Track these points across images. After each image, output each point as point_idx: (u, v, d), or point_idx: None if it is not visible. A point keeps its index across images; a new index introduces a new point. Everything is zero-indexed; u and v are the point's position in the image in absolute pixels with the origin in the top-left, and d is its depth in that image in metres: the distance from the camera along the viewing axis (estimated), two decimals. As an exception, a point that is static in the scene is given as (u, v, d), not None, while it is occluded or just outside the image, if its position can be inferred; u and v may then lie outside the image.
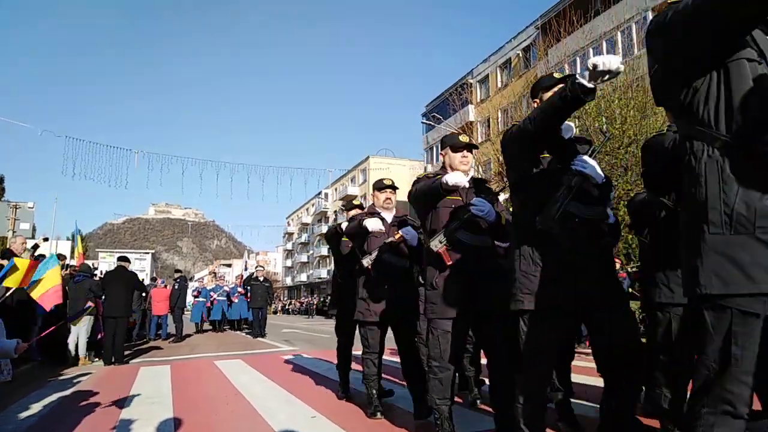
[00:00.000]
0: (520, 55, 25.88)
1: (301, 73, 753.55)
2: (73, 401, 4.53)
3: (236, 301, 15.49)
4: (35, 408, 4.25)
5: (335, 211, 50.58)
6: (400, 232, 3.37)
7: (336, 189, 51.57)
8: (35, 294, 4.66)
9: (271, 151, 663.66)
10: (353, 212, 4.29)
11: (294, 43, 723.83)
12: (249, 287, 13.31)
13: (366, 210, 3.84)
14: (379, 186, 3.71)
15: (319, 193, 52.30)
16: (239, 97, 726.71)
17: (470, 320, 2.70)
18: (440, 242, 2.61)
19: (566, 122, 2.21)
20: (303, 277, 59.34)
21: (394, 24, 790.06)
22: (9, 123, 16.77)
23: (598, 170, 2.13)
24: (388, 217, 3.65)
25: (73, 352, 7.35)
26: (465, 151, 2.80)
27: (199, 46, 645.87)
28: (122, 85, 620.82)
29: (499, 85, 27.66)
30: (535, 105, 2.40)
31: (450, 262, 2.59)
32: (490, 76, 28.55)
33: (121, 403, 4.29)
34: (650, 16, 18.17)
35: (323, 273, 52.02)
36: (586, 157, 2.15)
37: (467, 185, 2.78)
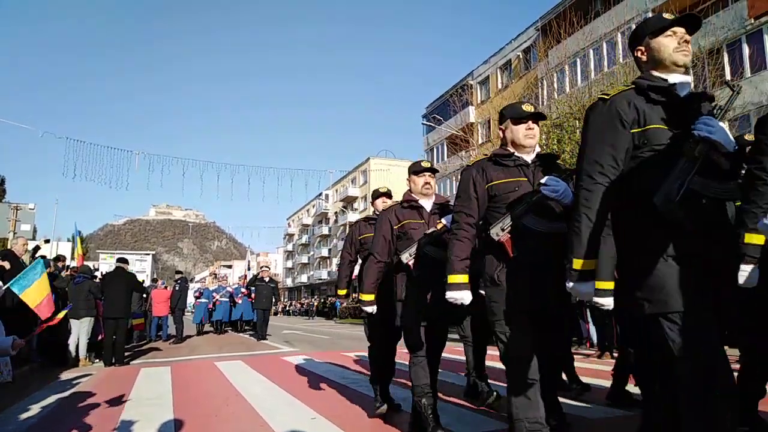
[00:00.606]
0: (521, 56, 25.89)
1: (301, 74, 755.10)
2: (74, 402, 4.53)
3: (240, 302, 15.18)
4: (35, 409, 4.25)
5: (336, 213, 50.60)
6: (442, 221, 2.92)
7: (336, 190, 51.59)
8: (31, 303, 4.83)
9: (272, 152, 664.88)
10: (380, 201, 3.86)
11: (294, 44, 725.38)
12: (254, 288, 13.03)
13: (403, 198, 3.27)
14: (417, 169, 3.20)
15: (320, 195, 52.31)
16: (240, 98, 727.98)
17: (545, 322, 2.27)
18: (502, 229, 2.22)
19: (682, 76, 1.81)
20: (303, 278, 59.35)
21: (394, 25, 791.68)
22: (10, 124, 16.85)
23: (728, 134, 1.67)
24: (428, 204, 3.19)
25: (73, 354, 7.36)
26: (530, 122, 2.39)
27: (199, 47, 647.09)
28: (122, 86, 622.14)
29: (500, 86, 27.67)
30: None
31: (514, 254, 2.20)
32: (490, 77, 28.57)
33: (122, 404, 4.29)
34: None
35: (324, 274, 52.02)
36: (710, 119, 1.69)
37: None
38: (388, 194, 3.94)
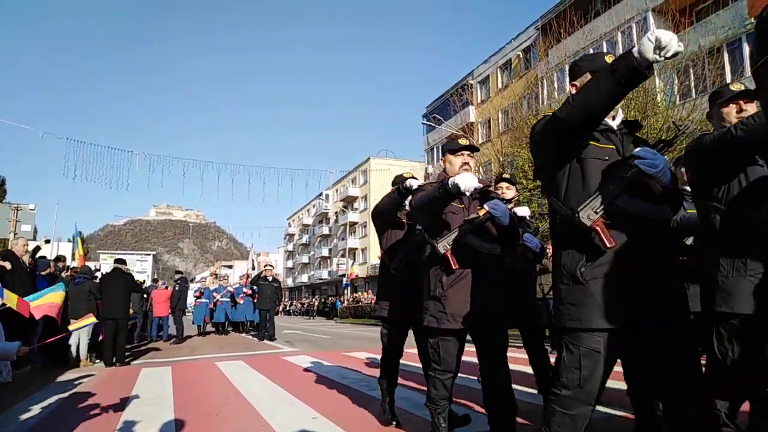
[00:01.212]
0: (521, 55, 25.89)
1: (301, 75, 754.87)
2: (74, 403, 4.53)
3: (241, 302, 14.79)
4: (36, 409, 4.26)
5: (336, 213, 50.63)
6: (485, 207, 2.48)
7: (337, 190, 51.62)
8: (33, 304, 4.81)
9: (272, 152, 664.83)
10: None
11: (294, 44, 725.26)
12: (257, 287, 12.63)
13: (436, 179, 2.79)
14: (453, 147, 2.74)
15: (320, 195, 52.35)
16: (240, 98, 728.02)
17: (637, 334, 1.75)
18: (595, 212, 1.75)
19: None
20: (304, 278, 59.39)
21: (394, 25, 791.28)
22: (10, 125, 16.88)
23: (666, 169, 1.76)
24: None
25: (74, 354, 7.37)
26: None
27: (199, 47, 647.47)
28: (122, 86, 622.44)
29: (500, 86, 27.68)
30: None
31: (612, 244, 1.72)
32: (490, 76, 28.57)
33: (122, 404, 4.29)
34: (651, 16, 18.19)
35: (324, 274, 52.05)
36: (649, 150, 1.78)
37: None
38: (472, 148, 3.22)
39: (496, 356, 2.57)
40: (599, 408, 3.70)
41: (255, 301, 14.04)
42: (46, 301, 5.27)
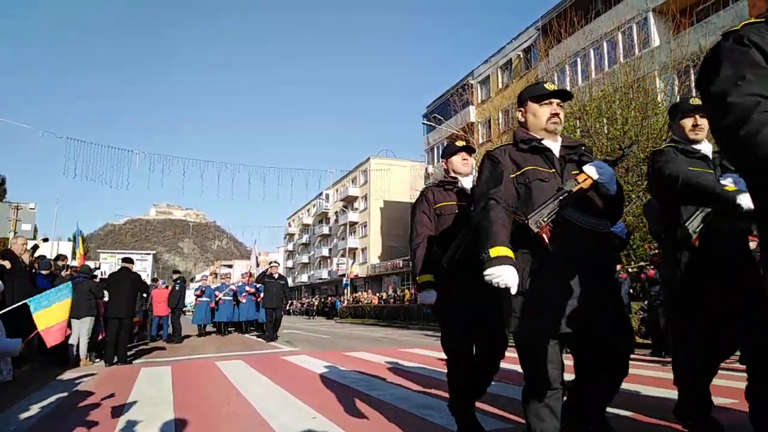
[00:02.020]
0: (521, 55, 25.89)
1: (302, 74, 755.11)
2: (74, 402, 4.53)
3: (244, 301, 14.22)
4: (36, 408, 4.25)
5: (336, 212, 50.62)
6: (586, 170, 1.93)
7: (337, 190, 51.61)
8: (41, 325, 4.74)
9: (272, 152, 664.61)
10: (458, 159, 2.96)
11: (294, 44, 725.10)
12: (263, 285, 12.15)
13: (517, 138, 2.19)
14: (540, 93, 2.17)
15: (320, 194, 52.35)
16: (240, 98, 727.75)
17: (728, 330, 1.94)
18: (543, 220, 1.86)
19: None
20: (304, 278, 59.41)
21: (394, 24, 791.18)
22: (10, 124, 16.88)
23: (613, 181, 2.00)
24: (555, 147, 2.23)
25: (74, 353, 7.37)
26: (555, 104, 2.19)
27: (198, 46, 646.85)
28: (122, 85, 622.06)
29: (500, 86, 27.67)
30: (519, 115, 2.25)
31: (553, 249, 1.89)
32: (491, 76, 28.57)
33: (122, 403, 4.29)
34: (651, 16, 18.18)
35: (324, 274, 52.06)
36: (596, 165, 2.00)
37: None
38: (468, 149, 2.97)
39: (597, 369, 2.02)
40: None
41: (258, 300, 13.83)
42: (56, 320, 5.15)
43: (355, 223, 46.68)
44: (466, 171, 2.92)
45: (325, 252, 53.42)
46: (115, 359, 7.34)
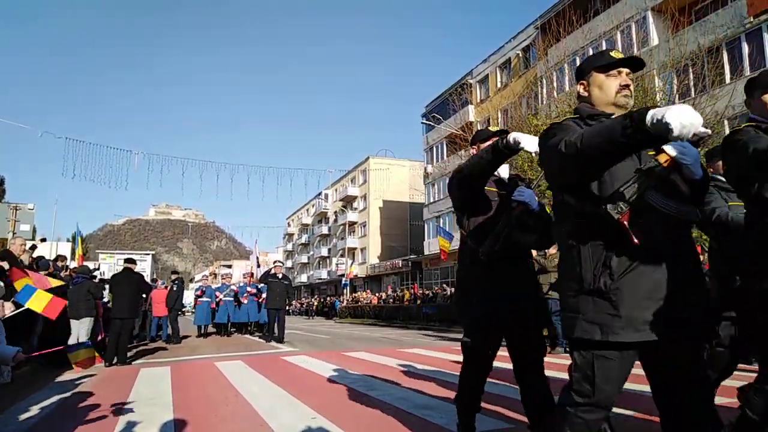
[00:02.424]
0: (520, 55, 25.89)
1: (301, 75, 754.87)
2: (74, 403, 4.53)
3: (245, 301, 14.01)
4: (35, 409, 4.25)
5: (335, 212, 50.62)
6: (667, 149, 1.57)
7: (336, 190, 51.61)
8: (38, 308, 4.82)
9: (272, 152, 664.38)
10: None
11: (293, 44, 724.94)
12: (266, 285, 11.79)
13: (580, 113, 1.96)
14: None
15: (319, 194, 52.35)
16: (239, 98, 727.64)
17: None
18: (624, 205, 1.56)
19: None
20: (303, 278, 59.40)
21: (393, 24, 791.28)
22: (9, 124, 16.86)
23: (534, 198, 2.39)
24: (504, 171, 2.61)
25: (73, 354, 7.36)
26: (625, 74, 1.85)
27: (197, 46, 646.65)
28: (121, 85, 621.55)
29: (499, 85, 27.68)
30: (581, 88, 2.04)
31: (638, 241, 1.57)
32: (489, 76, 28.57)
33: (122, 404, 4.29)
34: (650, 15, 18.19)
35: (323, 274, 52.04)
36: (523, 187, 2.41)
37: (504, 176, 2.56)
38: (503, 134, 2.57)
39: (697, 389, 1.63)
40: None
41: (260, 300, 13.71)
42: (48, 299, 5.28)
43: (355, 222, 46.68)
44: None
45: (324, 252, 53.42)
46: (115, 360, 7.34)
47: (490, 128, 2.73)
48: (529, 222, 2.41)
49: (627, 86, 1.82)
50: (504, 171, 2.63)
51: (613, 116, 1.75)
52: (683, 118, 1.30)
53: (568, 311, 1.71)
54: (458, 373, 2.89)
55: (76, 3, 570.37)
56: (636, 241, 1.54)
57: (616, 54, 1.82)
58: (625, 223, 1.55)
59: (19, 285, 5.00)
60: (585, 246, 1.66)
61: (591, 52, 19.75)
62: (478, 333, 2.57)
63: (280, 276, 11.44)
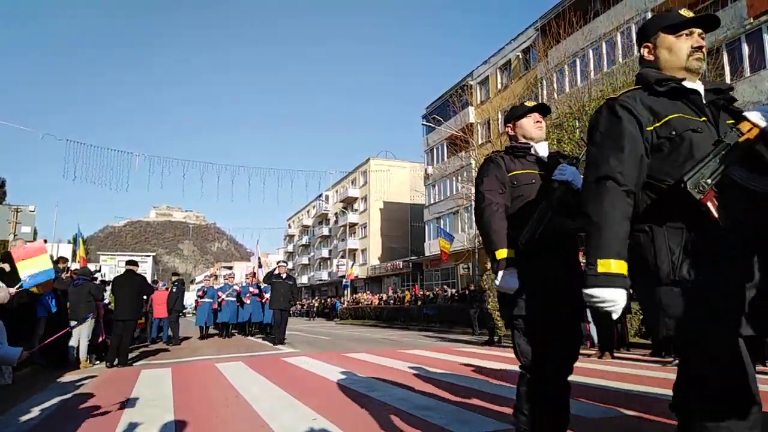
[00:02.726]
0: (520, 56, 25.92)
1: (301, 76, 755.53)
2: (75, 404, 4.53)
3: (248, 302, 13.89)
4: (36, 411, 4.26)
5: (336, 214, 50.64)
6: (750, 117, 1.46)
7: (337, 191, 51.64)
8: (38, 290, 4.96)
9: (272, 152, 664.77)
10: (529, 121, 2.43)
11: (293, 45, 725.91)
12: (270, 285, 11.62)
13: (648, 79, 1.66)
14: (520, 112, 2.43)
15: (320, 196, 52.38)
16: (239, 98, 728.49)
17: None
18: (707, 182, 1.38)
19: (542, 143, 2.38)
20: (304, 279, 59.40)
21: (393, 25, 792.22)
22: (10, 126, 16.89)
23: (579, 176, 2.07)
24: (543, 149, 2.38)
25: (74, 355, 7.37)
26: (697, 35, 1.65)
27: (197, 46, 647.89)
28: (121, 85, 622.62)
29: (499, 86, 27.70)
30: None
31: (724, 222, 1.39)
32: (490, 77, 28.60)
33: (122, 405, 4.29)
34: (650, 16, 18.20)
35: (324, 275, 52.05)
36: (565, 165, 2.18)
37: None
38: (542, 109, 2.45)
39: None
40: (598, 407, 3.71)
41: (263, 300, 13.59)
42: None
43: (355, 224, 46.70)
44: (539, 135, 2.39)
45: (325, 253, 53.42)
46: (116, 361, 7.35)
47: (527, 103, 2.45)
48: (573, 204, 2.02)
49: (700, 48, 1.62)
50: (542, 148, 2.38)
51: (684, 82, 1.59)
52: None
53: (647, 307, 1.52)
54: (458, 374, 2.85)
55: (76, 3, 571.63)
56: (720, 222, 1.36)
57: (686, 12, 1.63)
58: (709, 203, 1.36)
59: (23, 266, 5.06)
60: (660, 230, 1.45)
61: (591, 54, 19.80)
62: (533, 340, 2.14)
63: (284, 276, 11.27)
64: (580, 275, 2.05)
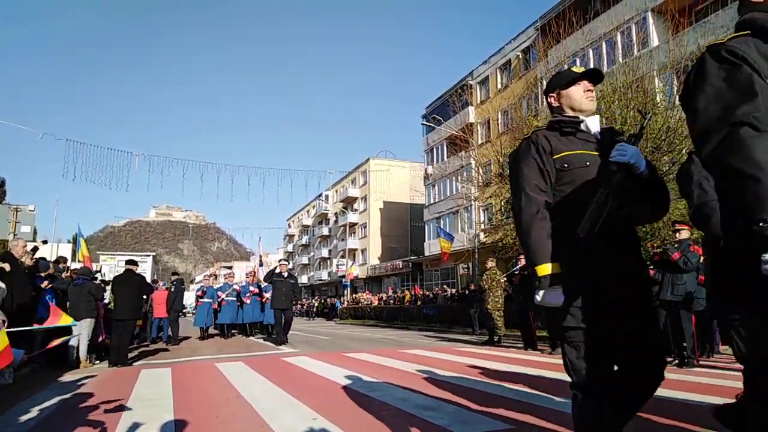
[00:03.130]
0: (520, 56, 25.91)
1: (301, 76, 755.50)
2: (74, 404, 4.53)
3: (248, 302, 13.75)
4: (36, 411, 4.25)
5: (336, 213, 50.63)
6: None
7: (336, 191, 51.64)
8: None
9: (272, 153, 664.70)
10: (578, 90, 2.02)
11: (293, 45, 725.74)
12: (271, 284, 11.34)
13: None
14: (567, 78, 2.01)
15: (320, 195, 52.37)
16: (240, 98, 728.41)
17: None
18: None
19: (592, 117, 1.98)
20: (303, 279, 59.40)
21: (393, 25, 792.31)
22: (10, 126, 16.90)
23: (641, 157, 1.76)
24: (594, 124, 1.97)
25: (74, 355, 7.37)
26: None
27: (197, 49, 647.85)
28: (122, 87, 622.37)
29: (499, 86, 27.70)
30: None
31: None
32: (490, 77, 28.59)
33: (122, 405, 4.29)
34: (650, 16, 18.21)
35: (324, 275, 52.04)
36: (624, 144, 1.80)
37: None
38: (593, 75, 2.02)
39: None
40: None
41: (263, 300, 13.54)
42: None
43: (355, 224, 46.70)
44: (590, 107, 1.99)
45: (324, 253, 53.42)
46: (116, 361, 7.35)
47: (574, 69, 2.06)
48: (635, 189, 1.81)
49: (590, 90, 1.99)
50: (594, 123, 1.99)
51: None
52: None
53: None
54: (459, 374, 2.83)
55: (75, 3, 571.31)
56: None
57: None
58: None
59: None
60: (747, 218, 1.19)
61: (591, 53, 19.80)
62: (591, 355, 1.79)
63: (285, 275, 11.01)
64: (643, 270, 1.93)
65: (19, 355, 2.75)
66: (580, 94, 2.00)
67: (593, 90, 2.03)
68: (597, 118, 2.02)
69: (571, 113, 2.01)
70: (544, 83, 21.33)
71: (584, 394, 1.80)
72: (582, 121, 1.98)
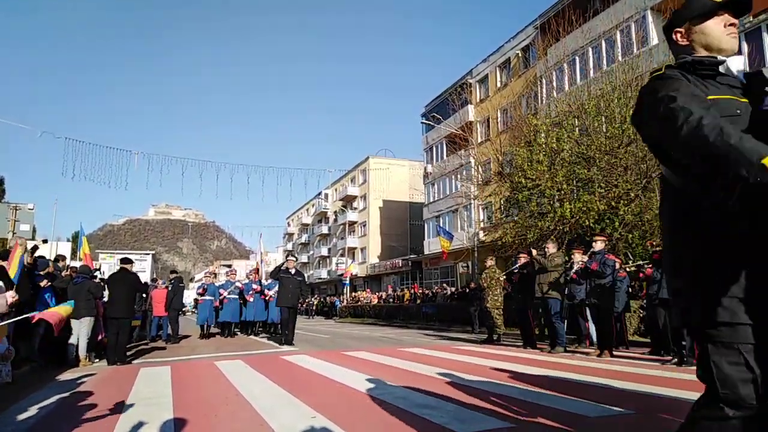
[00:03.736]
0: (520, 54, 25.88)
1: (301, 74, 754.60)
2: (73, 402, 4.53)
3: (251, 300, 13.45)
4: (35, 409, 4.25)
5: (335, 212, 50.63)
6: None
7: (336, 189, 51.63)
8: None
9: (271, 151, 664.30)
10: (717, 22, 1.62)
11: (292, 44, 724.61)
12: (278, 281, 10.77)
13: (690, 59, 1.62)
14: (705, 9, 1.61)
15: (319, 194, 52.36)
16: (239, 97, 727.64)
17: None
18: None
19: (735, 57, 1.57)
20: (303, 278, 59.44)
21: (393, 24, 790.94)
22: (9, 124, 16.91)
23: None
24: (738, 64, 1.61)
25: (73, 354, 7.37)
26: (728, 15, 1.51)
27: (196, 47, 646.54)
28: (121, 85, 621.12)
29: (499, 84, 27.68)
30: (678, 37, 1.65)
31: None
32: (489, 75, 28.57)
33: (121, 404, 4.29)
34: (649, 15, 18.19)
35: (323, 273, 52.06)
36: None
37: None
38: (739, 6, 1.65)
39: None
40: (597, 406, 3.71)
41: (266, 298, 13.44)
42: (52, 310, 5.43)
43: (354, 222, 46.70)
44: (732, 47, 1.60)
45: (324, 251, 53.43)
46: (115, 359, 7.35)
47: None
48: None
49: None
50: (737, 63, 1.60)
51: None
52: None
53: None
54: (458, 372, 2.83)
55: (78, 2, 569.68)
56: None
57: None
58: None
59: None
60: None
61: (591, 52, 19.77)
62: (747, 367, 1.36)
63: (293, 271, 10.40)
64: None
65: (2, 348, 2.75)
66: (719, 30, 1.59)
67: (737, 24, 1.62)
68: (741, 58, 1.64)
69: (704, 53, 1.61)
70: (544, 81, 21.36)
71: (737, 409, 1.36)
72: (723, 62, 1.58)
